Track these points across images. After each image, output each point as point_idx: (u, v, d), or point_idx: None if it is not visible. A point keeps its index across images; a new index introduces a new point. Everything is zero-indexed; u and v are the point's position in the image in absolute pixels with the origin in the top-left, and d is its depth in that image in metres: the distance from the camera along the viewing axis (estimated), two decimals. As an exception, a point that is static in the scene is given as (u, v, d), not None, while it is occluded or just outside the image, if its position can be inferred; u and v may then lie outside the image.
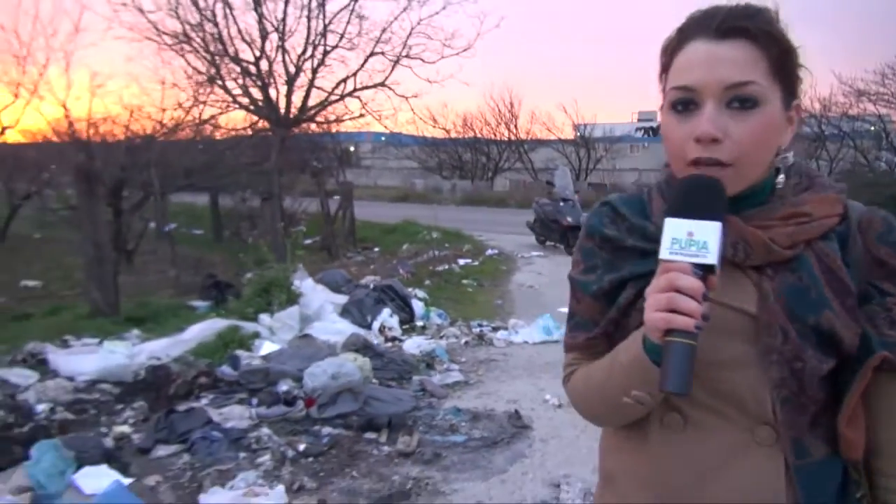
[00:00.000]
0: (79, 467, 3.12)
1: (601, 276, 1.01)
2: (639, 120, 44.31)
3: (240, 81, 15.61)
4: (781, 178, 0.96)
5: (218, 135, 15.87)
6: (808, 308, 0.90)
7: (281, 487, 3.02)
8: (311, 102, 16.18)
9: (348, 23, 15.45)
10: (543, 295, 8.21)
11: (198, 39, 14.85)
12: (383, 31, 15.99)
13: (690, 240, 0.83)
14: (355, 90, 16.20)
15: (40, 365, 4.69)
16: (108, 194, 7.58)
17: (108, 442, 3.53)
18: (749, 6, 0.92)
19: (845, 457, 0.93)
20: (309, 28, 15.67)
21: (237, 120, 16.94)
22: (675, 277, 0.83)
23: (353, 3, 15.32)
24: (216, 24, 14.62)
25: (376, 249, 13.22)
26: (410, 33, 15.94)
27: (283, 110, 15.88)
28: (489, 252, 11.73)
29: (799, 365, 0.90)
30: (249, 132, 16.14)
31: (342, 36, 15.55)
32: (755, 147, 0.89)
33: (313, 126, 17.15)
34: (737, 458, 0.94)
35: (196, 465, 3.32)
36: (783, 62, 0.91)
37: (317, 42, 15.82)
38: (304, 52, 15.79)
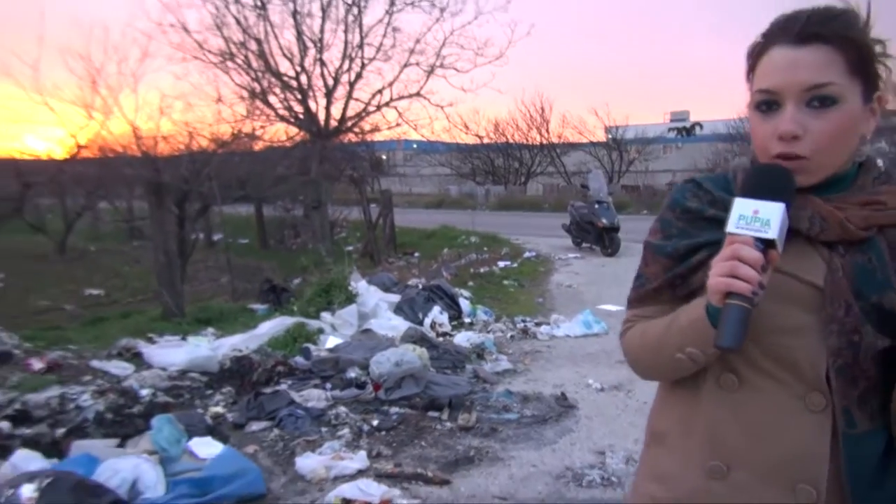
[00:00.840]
0: (188, 438, 3.64)
1: (676, 242, 1.09)
2: (671, 120, 44.02)
3: (281, 96, 16.33)
4: (881, 163, 1.06)
5: (258, 147, 16.53)
6: (873, 287, 0.96)
7: (363, 453, 3.51)
8: (348, 113, 16.81)
9: (384, 35, 16.04)
10: (582, 293, 8.60)
11: (241, 57, 15.60)
12: (417, 42, 16.55)
13: (755, 217, 0.93)
14: (391, 100, 16.77)
15: (134, 358, 5.28)
16: (173, 206, 8.20)
17: (207, 419, 4.05)
18: (829, 10, 0.98)
19: (894, 432, 0.97)
20: (346, 42, 16.30)
21: (278, 132, 17.64)
22: (738, 248, 0.92)
23: (388, 16, 15.92)
24: (258, 42, 15.34)
25: (416, 254, 13.72)
26: (444, 44, 16.49)
27: (322, 122, 16.55)
28: (527, 254, 12.13)
29: (856, 338, 0.95)
30: (289, 144, 16.79)
31: (378, 49, 16.15)
32: (833, 140, 0.97)
33: (350, 136, 17.76)
34: (786, 421, 0.98)
35: (286, 437, 3.82)
36: (861, 61, 0.96)
37: (353, 55, 16.45)
38: (341, 65, 16.43)
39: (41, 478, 2.27)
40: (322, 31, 15.93)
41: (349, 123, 17.01)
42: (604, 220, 11.97)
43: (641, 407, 4.27)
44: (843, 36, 0.95)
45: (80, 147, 7.81)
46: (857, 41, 0.96)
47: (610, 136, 33.39)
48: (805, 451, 0.97)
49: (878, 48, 0.99)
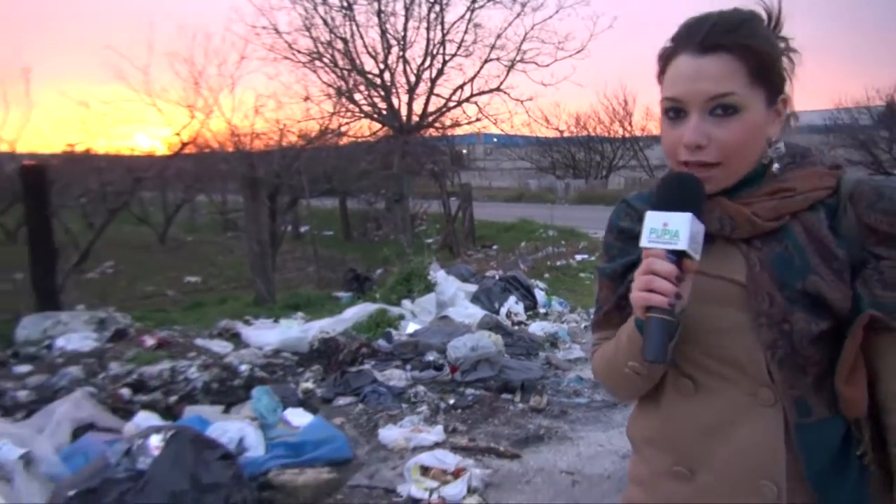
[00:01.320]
0: (283, 409, 4.02)
1: (616, 263, 1.13)
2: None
3: (365, 93, 16.89)
4: (776, 167, 1.05)
5: (343, 143, 17.14)
6: (794, 274, 0.97)
7: (440, 427, 3.78)
8: (430, 109, 17.20)
9: (465, 32, 16.30)
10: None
11: (328, 56, 16.25)
12: (497, 37, 16.73)
13: (665, 229, 0.94)
14: (472, 96, 17.03)
15: (233, 338, 5.77)
16: (266, 199, 8.76)
17: (299, 393, 4.44)
18: (732, 18, 0.99)
19: (846, 415, 0.96)
20: (428, 39, 16.69)
21: (361, 128, 18.23)
22: (651, 262, 0.93)
23: (469, 12, 16.16)
24: (345, 41, 15.93)
25: (494, 247, 13.92)
26: (524, 38, 16.59)
27: (404, 118, 17.01)
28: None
29: (787, 327, 0.95)
30: (372, 139, 17.33)
31: (459, 45, 16.43)
32: (738, 147, 0.99)
33: (431, 131, 18.15)
34: (741, 418, 0.99)
35: (369, 411, 4.14)
36: (763, 68, 0.98)
37: (435, 52, 16.81)
38: (423, 62, 16.82)
39: (165, 430, 2.65)
40: (405, 29, 16.38)
41: (430, 119, 17.41)
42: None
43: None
44: (744, 45, 0.97)
45: (183, 144, 8.42)
46: (758, 49, 0.98)
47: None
48: (762, 448, 0.98)
49: (782, 45, 1.02)
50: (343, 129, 16.45)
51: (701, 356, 1.03)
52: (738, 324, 0.99)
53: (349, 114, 16.87)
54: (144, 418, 3.54)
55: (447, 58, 16.55)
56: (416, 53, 16.93)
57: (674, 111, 1.01)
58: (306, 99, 15.21)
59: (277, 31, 15.58)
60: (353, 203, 18.59)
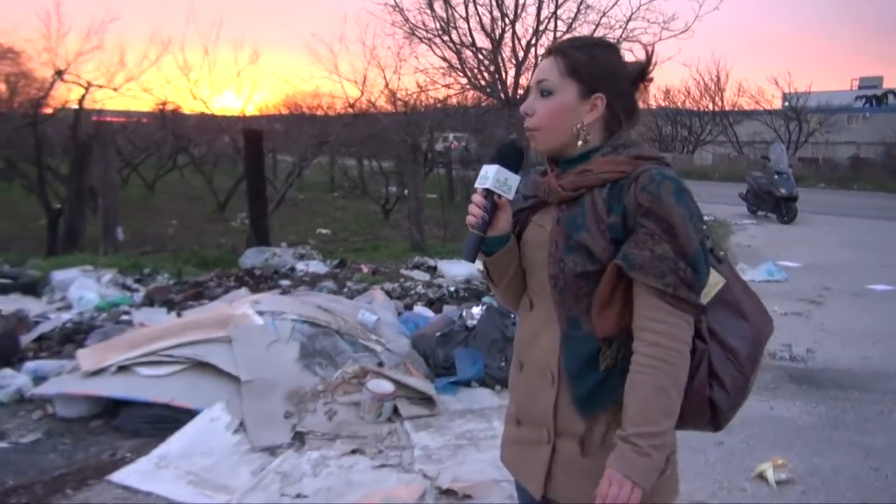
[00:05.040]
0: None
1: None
2: (859, 87, 40.60)
3: (475, 66, 18.24)
4: (603, 153, 1.33)
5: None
6: (574, 229, 1.29)
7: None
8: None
9: (577, 11, 17.37)
10: (761, 251, 9.78)
11: (445, 34, 17.64)
12: (602, 15, 17.69)
13: (484, 176, 1.32)
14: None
15: (429, 270, 7.45)
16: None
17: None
18: (576, 38, 1.46)
19: (597, 334, 1.27)
20: (538, 17, 17.83)
21: (465, 99, 19.59)
22: (473, 196, 1.33)
23: (581, -8, 17.16)
24: (466, 19, 17.30)
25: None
26: (630, 17, 17.49)
27: (511, 90, 18.30)
28: (705, 218, 13.24)
29: (562, 265, 1.29)
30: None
31: (569, 26, 17.51)
32: (548, 119, 1.33)
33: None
34: (544, 329, 1.35)
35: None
36: (574, 68, 1.32)
37: (543, 28, 17.94)
38: (531, 38, 18.00)
39: (481, 304, 4.28)
40: (516, 5, 17.57)
41: (535, 91, 18.60)
42: (783, 190, 12.80)
43: (819, 324, 5.70)
44: (561, 51, 1.34)
45: (355, 114, 10.15)
46: (571, 55, 1.33)
47: (787, 104, 31.99)
48: (549, 349, 1.33)
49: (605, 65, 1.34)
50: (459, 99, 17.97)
51: (533, 283, 1.38)
52: (544, 260, 1.32)
53: (458, 86, 18.32)
54: (421, 308, 5.23)
55: (559, 34, 17.63)
56: (525, 30, 18.09)
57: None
58: (421, 72, 16.74)
59: (400, 9, 17.08)
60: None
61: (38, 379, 3.78)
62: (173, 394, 3.38)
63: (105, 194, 8.66)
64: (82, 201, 8.77)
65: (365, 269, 7.43)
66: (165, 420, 3.29)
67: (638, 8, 17.68)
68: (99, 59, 15.86)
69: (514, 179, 1.31)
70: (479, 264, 1.41)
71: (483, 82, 18.43)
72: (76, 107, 9.68)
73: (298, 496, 2.74)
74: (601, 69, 1.33)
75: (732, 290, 1.33)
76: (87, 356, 3.62)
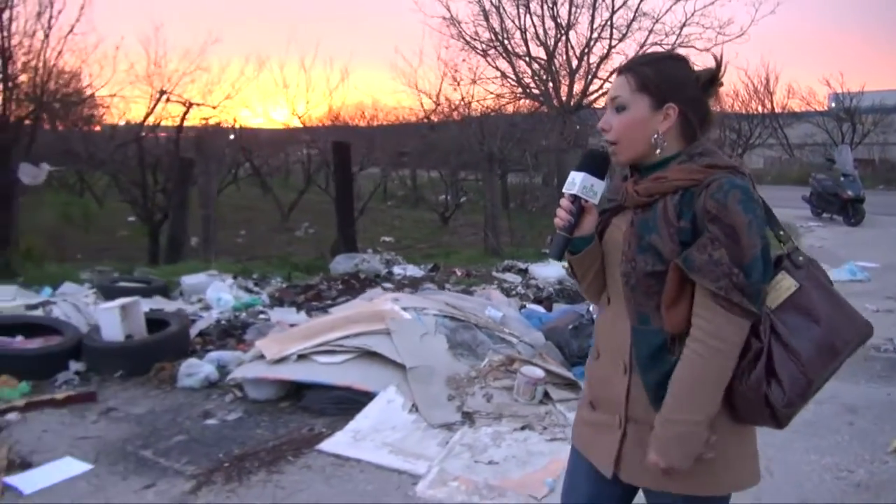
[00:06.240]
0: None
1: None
2: (914, 87, 39.59)
3: (530, 75, 18.60)
4: (678, 161, 1.42)
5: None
6: (646, 232, 1.39)
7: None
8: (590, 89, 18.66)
9: (633, 20, 17.60)
10: (835, 253, 9.89)
11: (501, 45, 18.04)
12: (655, 21, 17.86)
13: (571, 181, 1.42)
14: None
15: (521, 272, 7.82)
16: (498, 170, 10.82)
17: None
18: (643, 55, 1.60)
19: (667, 329, 1.37)
20: (591, 26, 18.12)
21: (519, 107, 19.96)
22: (561, 201, 1.44)
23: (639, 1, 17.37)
24: (523, 31, 17.69)
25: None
26: (685, 23, 17.62)
27: (564, 98, 18.59)
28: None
29: (633, 264, 1.39)
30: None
31: (624, 35, 17.74)
32: (624, 132, 1.43)
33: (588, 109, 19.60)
34: (618, 322, 1.46)
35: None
36: (644, 83, 1.41)
37: (596, 37, 18.21)
38: (585, 47, 18.28)
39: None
40: (569, 16, 17.88)
41: (590, 99, 18.89)
42: (849, 192, 12.84)
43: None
44: (631, 69, 1.45)
45: (430, 124, 10.62)
46: (641, 71, 1.43)
47: (834, 105, 31.40)
48: (622, 341, 1.45)
49: (675, 79, 1.42)
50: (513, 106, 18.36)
51: (611, 281, 1.50)
52: (619, 259, 1.44)
53: (512, 94, 18.70)
54: (533, 306, 5.61)
55: (614, 42, 17.88)
56: (579, 39, 18.39)
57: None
58: (474, 82, 17.14)
59: (457, 23, 17.54)
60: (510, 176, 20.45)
61: (220, 367, 4.27)
62: (352, 378, 3.81)
63: (206, 205, 9.27)
64: (185, 212, 9.39)
65: (459, 273, 7.84)
66: (347, 401, 3.72)
67: (693, 13, 17.96)
68: (199, 79, 16.80)
69: (599, 185, 1.43)
70: (564, 262, 1.56)
71: (537, 91, 18.88)
72: (177, 123, 10.37)
73: (490, 462, 3.13)
74: (669, 80, 1.42)
75: (807, 295, 1.37)
76: (268, 347, 4.08)
